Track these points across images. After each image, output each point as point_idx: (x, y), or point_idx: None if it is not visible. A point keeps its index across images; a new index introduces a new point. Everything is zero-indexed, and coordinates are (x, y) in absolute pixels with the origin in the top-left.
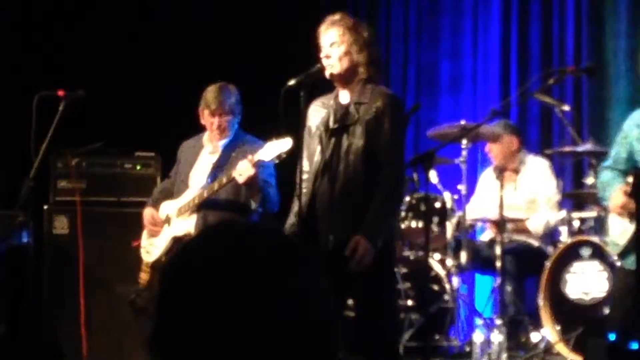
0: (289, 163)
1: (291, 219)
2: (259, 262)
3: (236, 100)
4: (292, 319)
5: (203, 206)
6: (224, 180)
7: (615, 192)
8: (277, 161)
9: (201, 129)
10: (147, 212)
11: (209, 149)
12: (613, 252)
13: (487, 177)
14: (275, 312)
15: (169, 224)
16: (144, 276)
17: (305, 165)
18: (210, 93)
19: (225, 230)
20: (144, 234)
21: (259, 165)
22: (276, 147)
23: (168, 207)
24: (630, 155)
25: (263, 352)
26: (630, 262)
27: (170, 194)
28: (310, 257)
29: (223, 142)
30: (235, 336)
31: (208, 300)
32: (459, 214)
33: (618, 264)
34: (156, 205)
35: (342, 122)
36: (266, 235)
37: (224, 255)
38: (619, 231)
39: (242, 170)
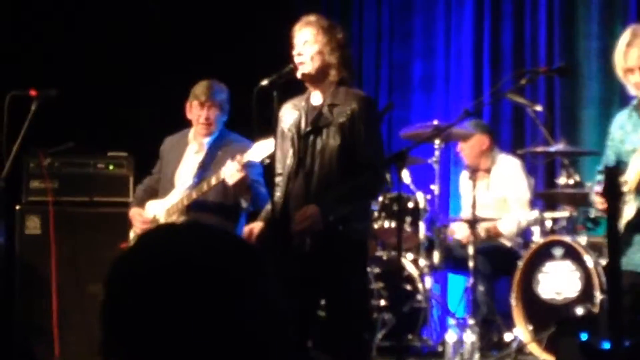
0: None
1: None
2: (212, 259)
3: (226, 98)
4: (244, 317)
5: (192, 208)
6: (213, 181)
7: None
8: (267, 162)
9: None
10: (135, 212)
11: (194, 147)
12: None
13: (463, 178)
14: (227, 308)
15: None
16: None
17: (278, 168)
18: (201, 86)
19: (173, 230)
20: (132, 235)
21: (247, 166)
22: (264, 148)
23: (155, 208)
24: (618, 157)
25: (216, 349)
26: (622, 264)
27: (154, 192)
28: (263, 256)
29: (208, 140)
30: (186, 334)
31: (157, 299)
32: (439, 226)
33: (590, 265)
34: (141, 204)
35: (315, 124)
36: (218, 234)
37: (172, 253)
38: None
39: (232, 173)
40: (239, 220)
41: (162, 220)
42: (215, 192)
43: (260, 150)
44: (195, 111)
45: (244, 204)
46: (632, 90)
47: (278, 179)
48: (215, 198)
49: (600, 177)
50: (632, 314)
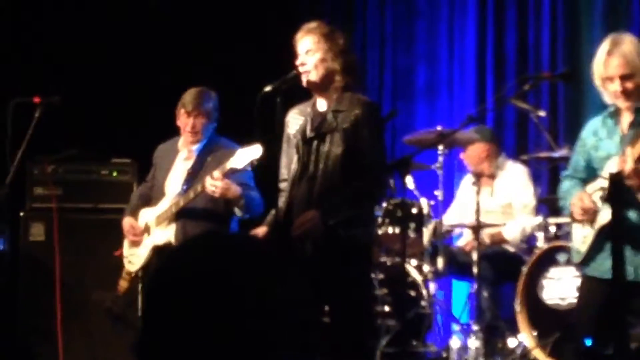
0: (267, 170)
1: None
2: (245, 268)
3: (214, 106)
4: (276, 324)
5: (181, 215)
6: (199, 189)
7: (574, 199)
8: (249, 168)
9: (176, 135)
10: (126, 222)
11: (183, 154)
12: (575, 260)
13: (465, 183)
14: (260, 317)
15: (148, 233)
16: (123, 284)
17: (284, 173)
18: (189, 95)
19: (209, 239)
20: (125, 243)
21: (229, 174)
22: (247, 155)
23: (147, 215)
24: (588, 163)
25: (247, 354)
26: (592, 270)
27: (149, 199)
28: (288, 264)
29: (197, 146)
30: (221, 340)
31: (195, 306)
32: (435, 220)
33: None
34: (135, 213)
35: (319, 130)
36: (250, 244)
37: (210, 262)
38: (580, 239)
39: (214, 185)
40: (229, 227)
41: (153, 227)
42: (205, 198)
43: (243, 157)
44: (182, 119)
45: (239, 212)
46: (608, 99)
47: (283, 185)
48: (205, 205)
49: (569, 183)
50: (598, 322)
